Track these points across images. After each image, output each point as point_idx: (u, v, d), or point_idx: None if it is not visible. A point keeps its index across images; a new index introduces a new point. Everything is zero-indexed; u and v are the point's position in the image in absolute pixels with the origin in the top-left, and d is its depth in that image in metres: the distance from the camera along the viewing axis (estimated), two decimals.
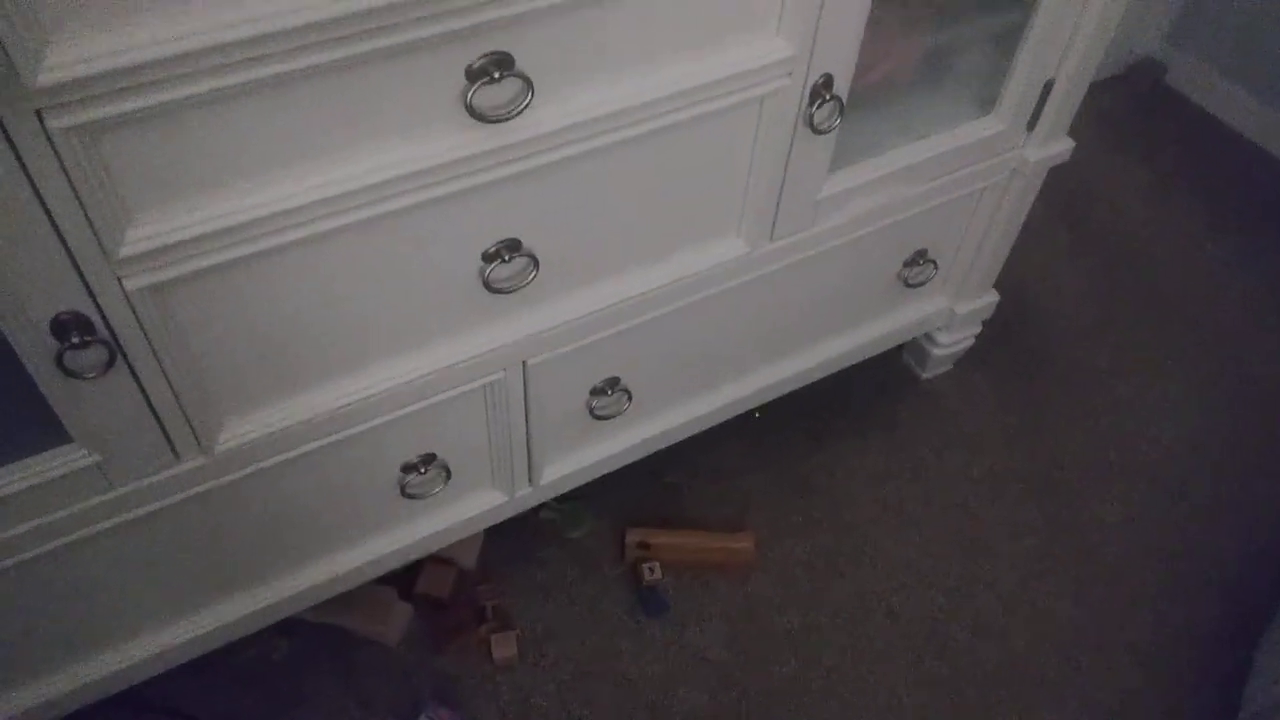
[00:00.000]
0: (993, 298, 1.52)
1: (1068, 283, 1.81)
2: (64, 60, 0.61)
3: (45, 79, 0.60)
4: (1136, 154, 2.06)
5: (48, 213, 0.68)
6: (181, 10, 0.63)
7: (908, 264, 1.36)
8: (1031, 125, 1.24)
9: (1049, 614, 1.38)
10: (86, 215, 0.69)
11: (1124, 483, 1.53)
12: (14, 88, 0.60)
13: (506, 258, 0.94)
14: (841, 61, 0.99)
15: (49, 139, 0.64)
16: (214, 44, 0.64)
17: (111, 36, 0.62)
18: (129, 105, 0.65)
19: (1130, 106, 2.15)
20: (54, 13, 0.60)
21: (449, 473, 1.14)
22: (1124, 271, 1.83)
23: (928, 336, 1.57)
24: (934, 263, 1.38)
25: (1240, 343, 1.73)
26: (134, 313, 0.76)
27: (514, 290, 0.97)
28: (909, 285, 1.39)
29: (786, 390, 1.42)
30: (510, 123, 0.82)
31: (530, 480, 1.24)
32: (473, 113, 0.80)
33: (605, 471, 1.31)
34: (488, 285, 0.95)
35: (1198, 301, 1.79)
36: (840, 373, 1.47)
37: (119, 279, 0.74)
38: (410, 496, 1.13)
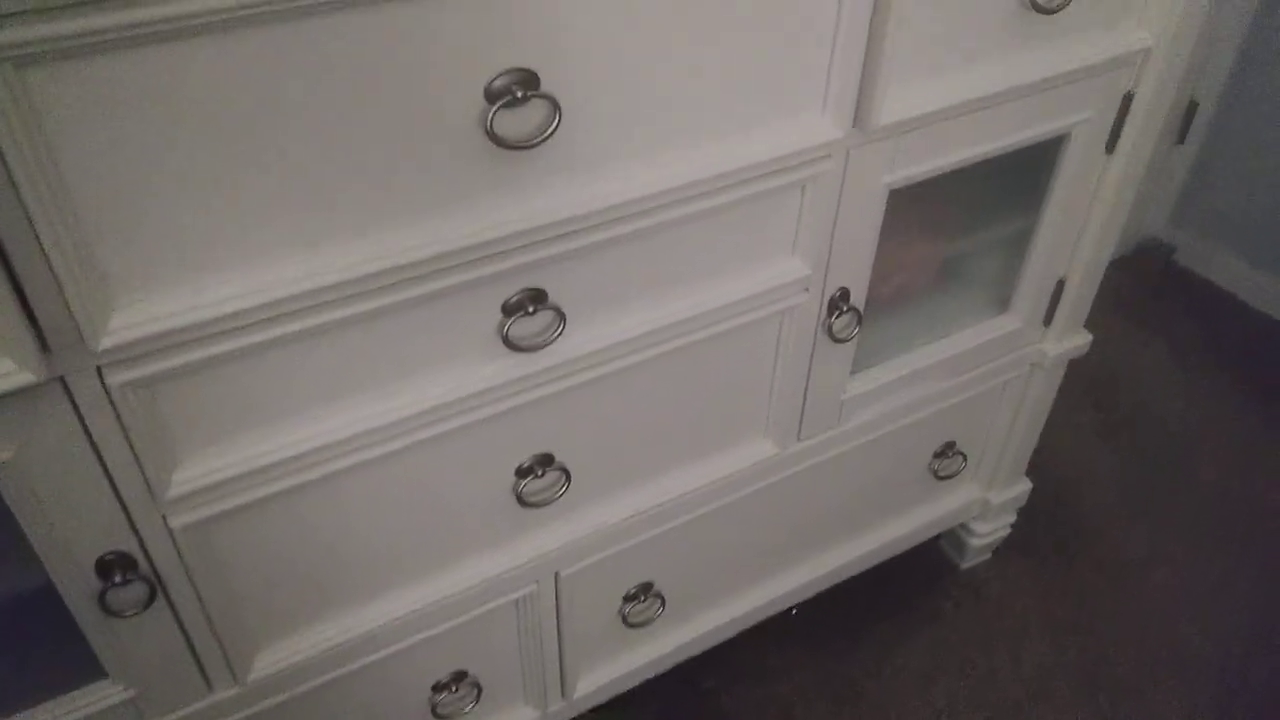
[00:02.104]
0: (1025, 486, 1.51)
1: (1100, 465, 1.79)
2: (127, 323, 0.65)
3: (109, 341, 0.64)
4: (1154, 332, 2.08)
5: (100, 460, 0.71)
6: (244, 268, 0.68)
7: (937, 456, 1.36)
8: (1048, 321, 1.27)
9: None
10: (138, 460, 0.72)
11: (1178, 675, 1.46)
12: (79, 352, 0.64)
13: (539, 472, 0.96)
14: (856, 276, 1.03)
15: (107, 393, 0.68)
16: (274, 299, 0.69)
17: (174, 297, 0.66)
18: (186, 358, 0.69)
19: (1143, 286, 2.20)
20: (120, 278, 0.64)
21: (480, 689, 1.11)
22: (1155, 451, 1.82)
23: (964, 526, 1.55)
24: (963, 455, 1.38)
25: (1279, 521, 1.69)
26: (177, 550, 0.78)
27: (547, 504, 0.98)
28: (940, 478, 1.39)
29: (823, 587, 1.39)
30: (543, 350, 0.86)
31: (563, 693, 1.21)
32: (508, 343, 0.83)
33: (641, 680, 1.28)
34: (521, 500, 0.96)
35: (1232, 480, 1.76)
36: (878, 565, 1.44)
37: (164, 518, 0.76)
38: (441, 717, 1.10)
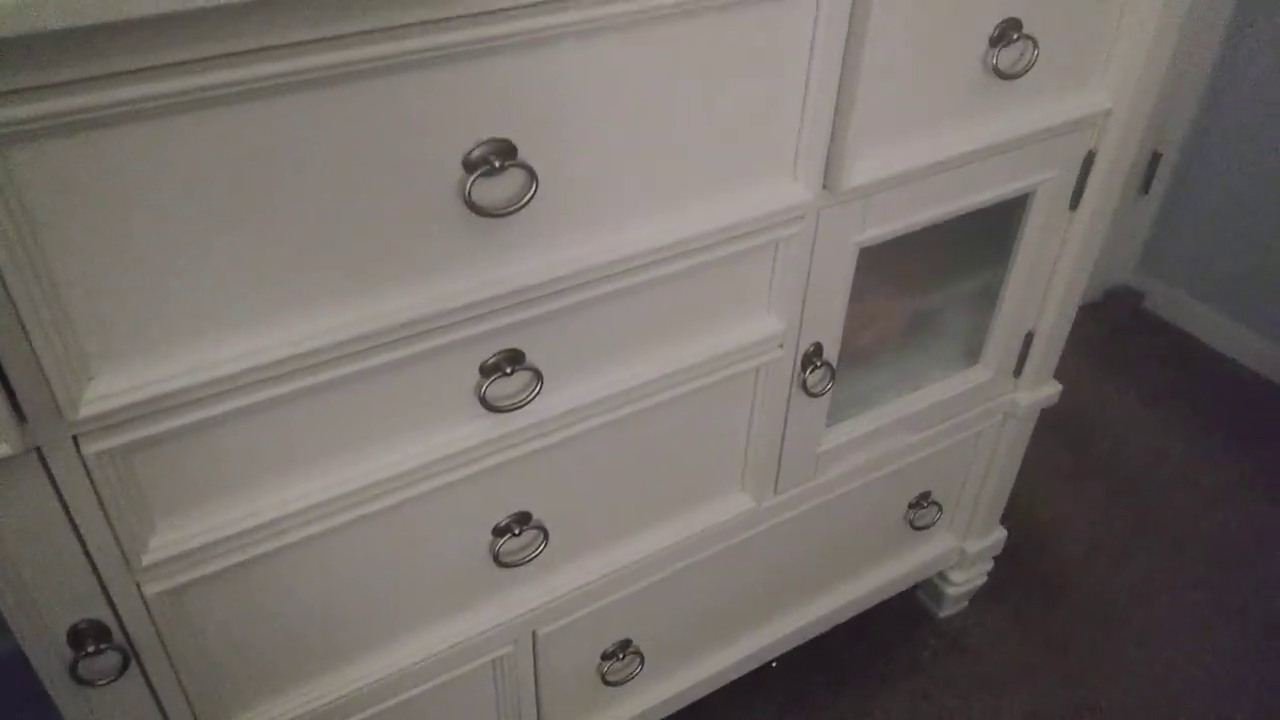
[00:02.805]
0: (1001, 534, 1.52)
1: (1075, 511, 1.81)
2: (105, 392, 0.65)
3: (86, 411, 0.65)
4: (1125, 378, 2.12)
5: (74, 527, 0.70)
6: (223, 336, 0.68)
7: (913, 506, 1.37)
8: (1018, 372, 1.29)
9: None
10: (112, 528, 0.72)
11: (1164, 714, 1.47)
12: (55, 421, 0.64)
13: (517, 531, 0.96)
14: (829, 332, 1.05)
15: (83, 461, 0.68)
16: (252, 366, 0.69)
17: (152, 365, 0.67)
18: (163, 426, 0.69)
19: (1113, 332, 2.24)
20: (98, 347, 0.64)
21: None
22: (1129, 496, 1.84)
23: (941, 575, 1.55)
24: (938, 505, 1.39)
25: (1254, 564, 1.71)
26: (150, 617, 0.77)
27: (524, 563, 0.98)
28: (916, 528, 1.39)
29: (802, 639, 1.39)
30: (521, 410, 0.86)
31: None
32: (485, 404, 0.84)
33: None
34: (498, 560, 0.96)
35: (1206, 523, 1.78)
36: (856, 616, 1.44)
37: (138, 585, 0.76)
38: None
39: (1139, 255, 2.28)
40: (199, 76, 0.57)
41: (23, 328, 0.60)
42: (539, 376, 0.85)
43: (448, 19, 0.64)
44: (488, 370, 0.83)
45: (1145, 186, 2.17)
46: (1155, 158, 2.12)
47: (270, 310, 0.69)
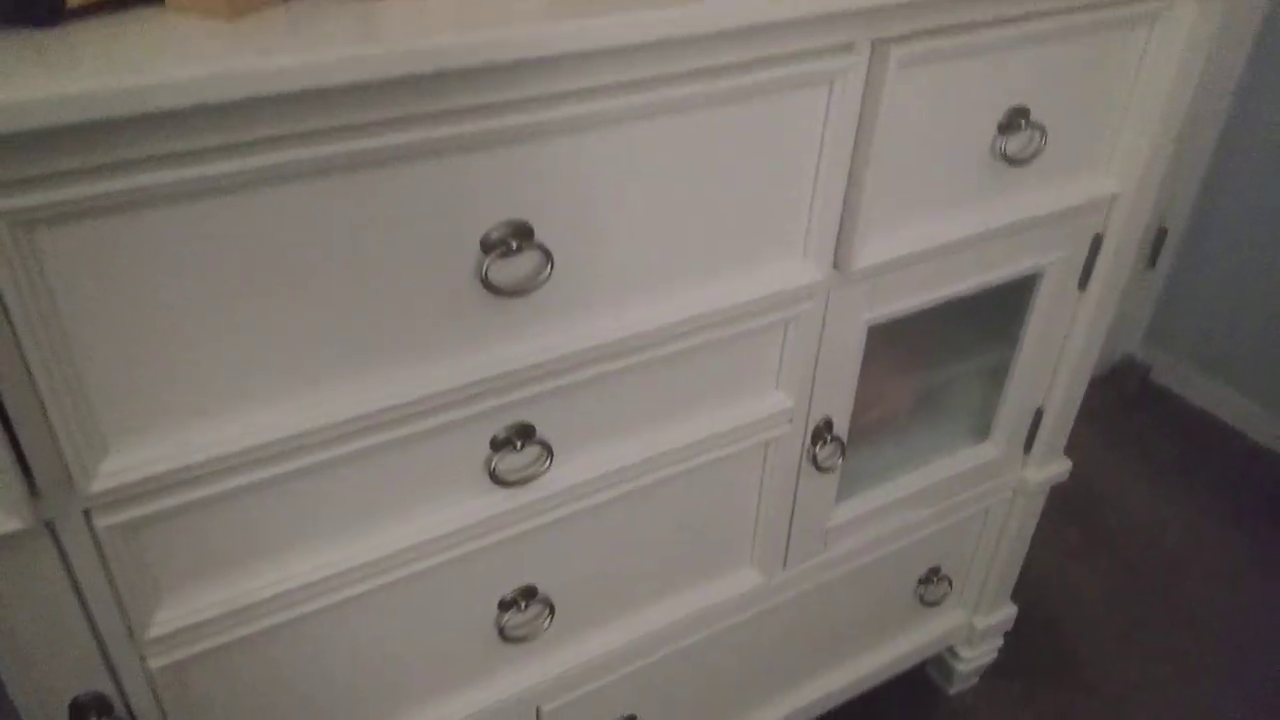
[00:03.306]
0: (1011, 610, 1.50)
1: (1085, 587, 1.79)
2: (119, 467, 0.65)
3: (99, 485, 0.65)
4: (1133, 450, 2.11)
5: (81, 600, 0.70)
6: (238, 412, 0.69)
7: (922, 582, 1.36)
8: (1027, 449, 1.28)
9: None
10: (119, 601, 0.71)
11: None
12: (67, 495, 0.65)
13: (523, 605, 0.95)
14: (839, 407, 1.05)
15: (93, 535, 0.68)
16: (267, 441, 0.69)
17: (166, 440, 0.67)
18: (176, 500, 0.69)
19: (1121, 405, 2.23)
20: (114, 423, 0.65)
21: None
22: (1139, 572, 1.82)
23: (951, 651, 1.53)
24: (948, 580, 1.38)
25: (1267, 643, 1.68)
26: (154, 691, 0.76)
27: (530, 638, 0.97)
28: (925, 603, 1.38)
29: (810, 716, 1.37)
30: (530, 484, 0.86)
31: None
32: (495, 478, 0.84)
33: None
34: (503, 634, 0.95)
35: (1218, 602, 1.76)
36: (865, 693, 1.42)
37: (142, 658, 0.75)
38: None
39: (1146, 327, 2.29)
40: (221, 164, 0.59)
41: (40, 403, 0.60)
42: (549, 451, 0.86)
43: (470, 109, 0.65)
44: (498, 444, 0.83)
45: (1152, 260, 2.18)
46: (1161, 232, 2.14)
47: (285, 387, 0.70)
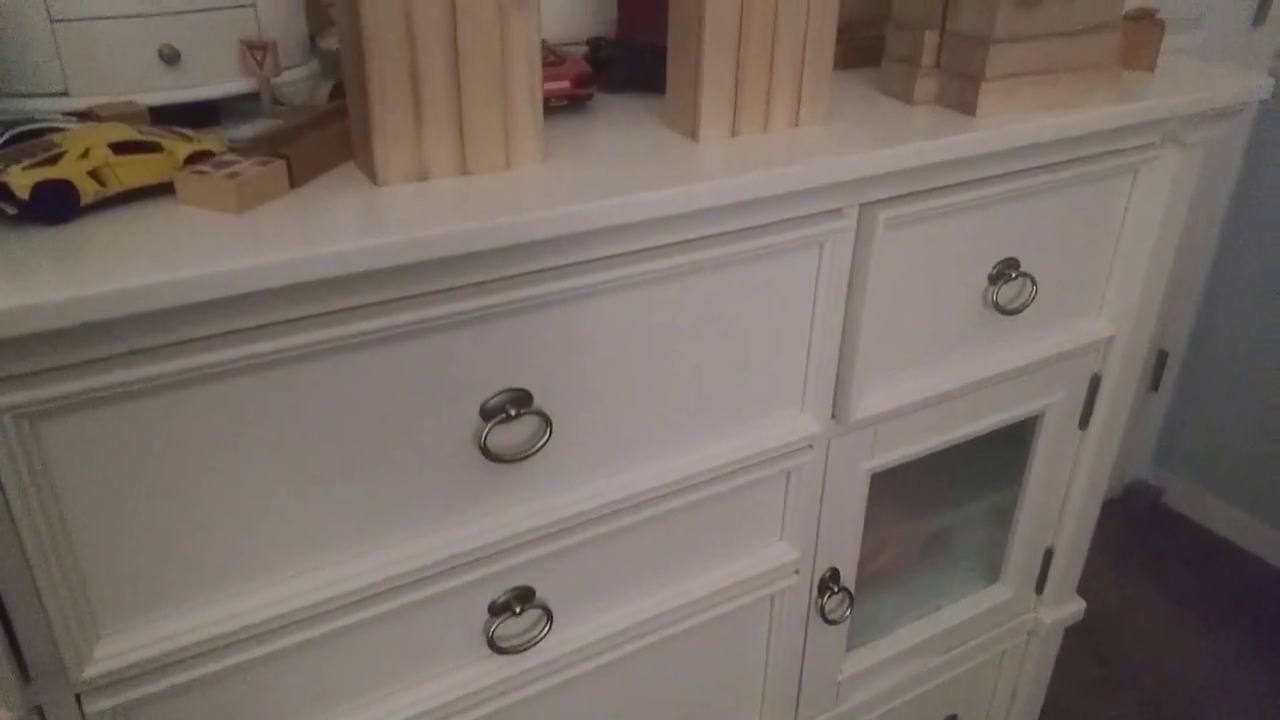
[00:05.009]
0: None
1: None
2: (112, 651, 0.64)
3: (92, 670, 0.64)
4: (1149, 578, 2.06)
5: None
6: (234, 592, 0.68)
7: None
8: (1039, 590, 1.26)
9: None
10: None
11: None
12: (59, 681, 0.63)
13: None
14: (845, 556, 1.03)
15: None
16: (259, 620, 0.68)
17: (161, 621, 0.66)
18: (168, 682, 0.68)
19: (1133, 529, 2.20)
20: (110, 608, 0.64)
21: None
22: (1163, 707, 1.76)
23: None
24: None
25: None
26: None
27: None
28: None
29: None
30: (529, 649, 0.85)
31: None
32: (493, 645, 0.82)
33: None
34: None
35: None
36: None
37: None
38: None
39: (1154, 450, 2.28)
40: (227, 350, 0.60)
41: (36, 589, 0.60)
42: (549, 614, 0.84)
43: (469, 286, 0.67)
44: (497, 609, 0.82)
45: (1155, 384, 2.19)
46: (1162, 355, 2.15)
47: (282, 563, 0.69)
